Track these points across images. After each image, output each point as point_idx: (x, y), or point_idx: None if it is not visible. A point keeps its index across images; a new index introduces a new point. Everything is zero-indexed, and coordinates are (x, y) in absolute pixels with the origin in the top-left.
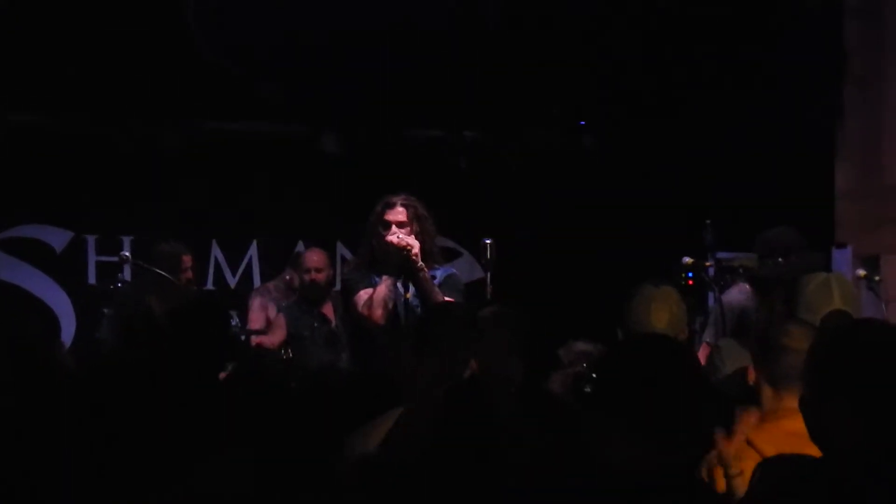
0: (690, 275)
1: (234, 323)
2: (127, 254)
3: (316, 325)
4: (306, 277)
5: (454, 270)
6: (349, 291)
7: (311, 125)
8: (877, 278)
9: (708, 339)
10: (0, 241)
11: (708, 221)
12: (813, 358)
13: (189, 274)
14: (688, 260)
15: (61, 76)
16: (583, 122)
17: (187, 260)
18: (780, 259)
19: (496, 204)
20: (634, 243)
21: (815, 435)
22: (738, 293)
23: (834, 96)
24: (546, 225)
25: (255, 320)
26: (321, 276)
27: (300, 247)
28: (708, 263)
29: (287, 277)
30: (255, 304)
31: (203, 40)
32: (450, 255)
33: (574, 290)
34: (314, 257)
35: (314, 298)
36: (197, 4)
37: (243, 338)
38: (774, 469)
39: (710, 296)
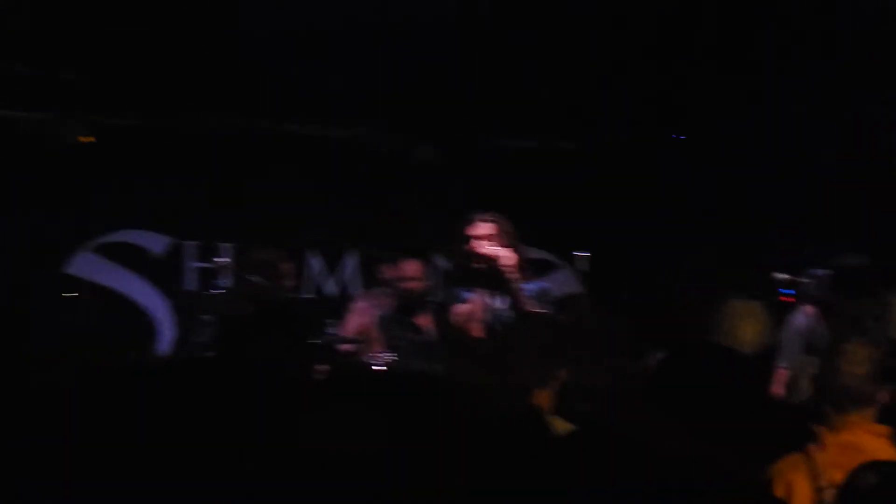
0: (788, 291)
1: (329, 332)
2: (223, 260)
3: (410, 335)
4: (402, 287)
5: (548, 285)
6: (442, 308)
7: (410, 135)
8: None
9: (783, 364)
10: (100, 245)
11: (806, 236)
12: None
13: (287, 281)
14: (782, 276)
15: (164, 82)
16: (680, 137)
17: (285, 267)
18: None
19: (593, 215)
20: (731, 254)
21: None
22: (803, 316)
23: None
24: (642, 235)
25: (350, 327)
26: (417, 286)
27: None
28: (802, 280)
29: (384, 276)
30: (354, 310)
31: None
32: (547, 268)
33: (667, 300)
34: (410, 267)
35: (410, 308)
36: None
37: (337, 345)
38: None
39: (796, 314)
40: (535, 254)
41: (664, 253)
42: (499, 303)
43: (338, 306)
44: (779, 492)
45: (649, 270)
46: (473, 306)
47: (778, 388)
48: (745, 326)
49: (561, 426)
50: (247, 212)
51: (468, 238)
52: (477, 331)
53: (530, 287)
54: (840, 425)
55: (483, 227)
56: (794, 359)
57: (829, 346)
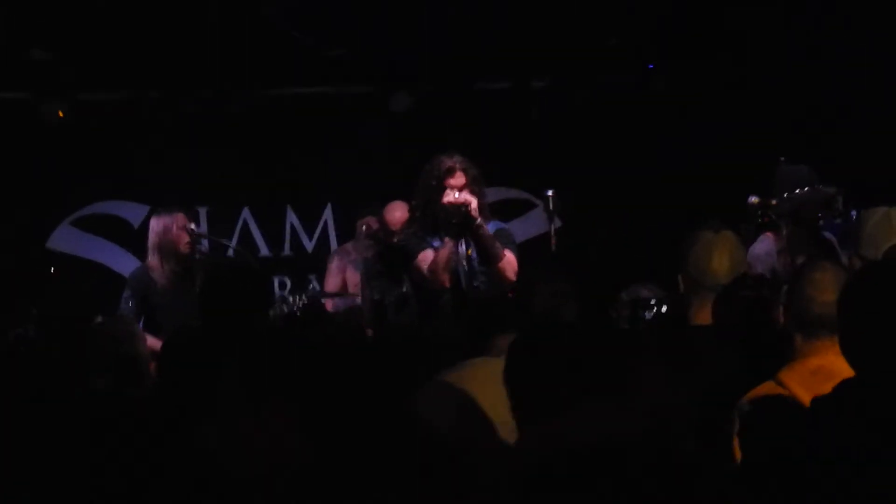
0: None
1: (312, 287)
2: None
3: (393, 288)
4: (385, 237)
5: (504, 225)
6: (408, 255)
7: (380, 85)
8: None
9: None
10: (78, 218)
11: (782, 159)
12: (846, 295)
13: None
14: (754, 199)
15: (129, 51)
16: (651, 66)
17: (180, 219)
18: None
19: (567, 153)
20: (704, 185)
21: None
22: (762, 245)
23: None
24: (615, 172)
25: (332, 283)
26: (398, 233)
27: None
28: (774, 202)
29: (363, 227)
30: (333, 266)
31: (271, 7)
32: (523, 207)
33: (641, 235)
34: (397, 215)
35: (393, 259)
36: None
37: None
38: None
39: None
40: (511, 193)
41: (640, 186)
42: (465, 247)
43: (318, 262)
44: None
45: (624, 205)
46: (441, 255)
47: None
48: (721, 258)
49: None
50: (223, 174)
51: (443, 186)
52: (447, 280)
53: (489, 227)
54: (808, 350)
55: (460, 175)
56: None
57: (796, 271)
